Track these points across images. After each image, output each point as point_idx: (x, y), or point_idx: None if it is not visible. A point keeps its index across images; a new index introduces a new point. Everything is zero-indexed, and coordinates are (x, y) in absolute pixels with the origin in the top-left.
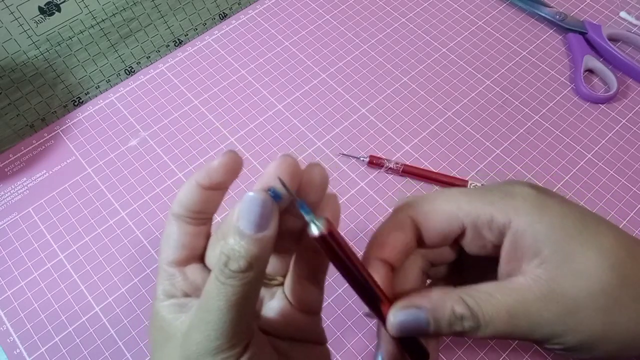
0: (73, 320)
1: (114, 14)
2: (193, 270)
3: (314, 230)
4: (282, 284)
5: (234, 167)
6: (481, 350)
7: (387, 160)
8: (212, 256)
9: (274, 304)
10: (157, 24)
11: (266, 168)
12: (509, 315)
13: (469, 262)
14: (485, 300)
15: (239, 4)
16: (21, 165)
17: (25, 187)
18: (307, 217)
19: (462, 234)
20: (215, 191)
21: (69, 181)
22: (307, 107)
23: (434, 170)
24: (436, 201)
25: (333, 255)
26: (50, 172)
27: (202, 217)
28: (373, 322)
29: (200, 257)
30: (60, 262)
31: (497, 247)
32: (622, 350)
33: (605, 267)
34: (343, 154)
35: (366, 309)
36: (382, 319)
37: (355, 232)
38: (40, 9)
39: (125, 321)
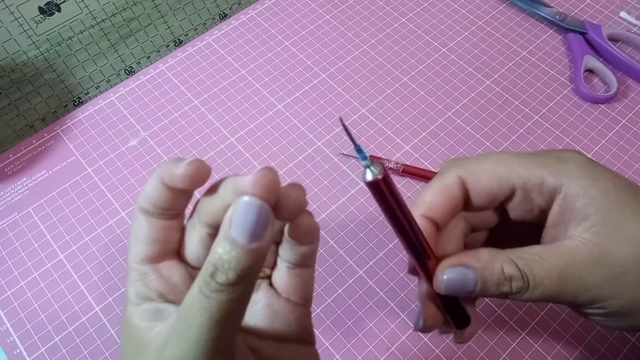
0: (73, 320)
1: (114, 14)
2: (168, 266)
3: (368, 176)
4: (268, 276)
5: (198, 177)
6: (481, 351)
7: (387, 160)
8: (191, 248)
9: (259, 296)
10: (157, 24)
11: (243, 177)
12: (559, 277)
13: (509, 229)
14: (535, 262)
15: (239, 4)
16: (21, 165)
17: (25, 187)
18: (362, 163)
19: (510, 197)
20: (181, 191)
21: (69, 181)
22: (307, 107)
23: (434, 170)
24: (487, 162)
25: (385, 203)
26: (50, 172)
27: (171, 213)
28: (373, 322)
29: (174, 252)
30: (60, 262)
31: (544, 213)
32: None
33: None
34: (343, 154)
35: (410, 265)
36: (428, 275)
37: (356, 232)
38: (40, 9)
39: None
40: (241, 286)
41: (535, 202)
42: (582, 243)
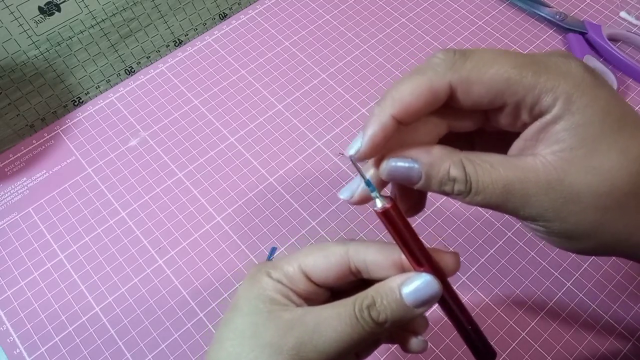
0: (73, 320)
1: (114, 14)
2: (313, 289)
3: (378, 204)
4: None
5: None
6: None
7: None
8: (319, 263)
9: None
10: (157, 24)
11: (450, 254)
12: (504, 189)
13: (484, 133)
14: (485, 169)
15: (239, 4)
16: (21, 165)
17: (25, 187)
18: (372, 194)
19: (496, 109)
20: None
21: (69, 181)
22: (307, 107)
23: None
24: (488, 71)
25: (393, 228)
26: (50, 172)
27: None
28: None
29: (325, 287)
30: (60, 262)
31: (525, 126)
32: (600, 248)
33: (623, 172)
34: (343, 154)
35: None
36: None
37: (356, 232)
38: (40, 9)
39: (125, 321)
40: (381, 328)
41: (521, 119)
42: (542, 164)
